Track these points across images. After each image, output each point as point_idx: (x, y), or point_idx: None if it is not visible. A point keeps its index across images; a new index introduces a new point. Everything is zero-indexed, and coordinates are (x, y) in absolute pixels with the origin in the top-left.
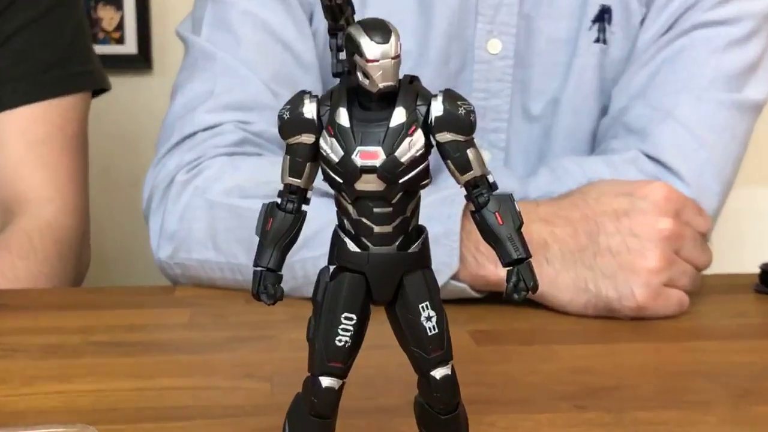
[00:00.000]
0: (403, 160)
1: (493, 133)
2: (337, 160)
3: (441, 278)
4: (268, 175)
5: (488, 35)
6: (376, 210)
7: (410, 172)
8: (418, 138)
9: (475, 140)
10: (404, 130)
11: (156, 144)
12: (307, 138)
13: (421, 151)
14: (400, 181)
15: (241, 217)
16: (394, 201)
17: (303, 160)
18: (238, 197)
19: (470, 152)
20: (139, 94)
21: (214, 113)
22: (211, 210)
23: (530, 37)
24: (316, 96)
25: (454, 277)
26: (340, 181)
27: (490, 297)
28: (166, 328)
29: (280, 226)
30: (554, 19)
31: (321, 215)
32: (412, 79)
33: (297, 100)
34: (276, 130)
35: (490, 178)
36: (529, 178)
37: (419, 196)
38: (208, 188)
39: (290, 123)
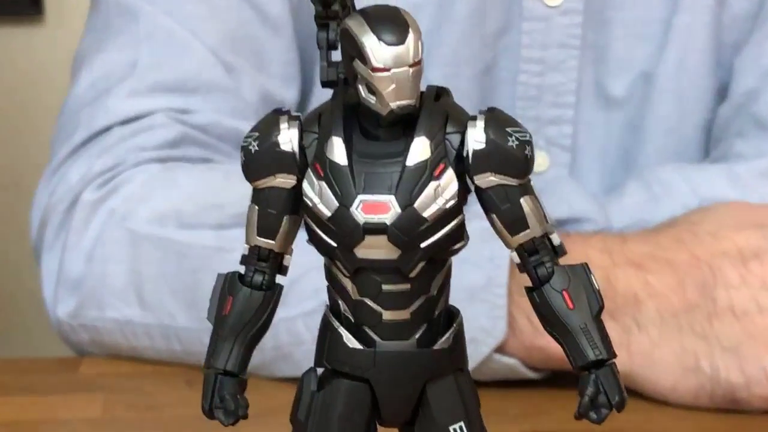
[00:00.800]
0: (426, 214)
1: (552, 125)
2: (328, 214)
3: (480, 350)
4: (220, 192)
5: None
6: (386, 288)
7: (437, 233)
8: (449, 181)
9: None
10: (428, 171)
11: (51, 141)
12: (285, 180)
13: (452, 202)
14: (423, 245)
15: (181, 257)
16: (412, 274)
17: (278, 213)
18: (175, 227)
19: (525, 202)
20: (25, 53)
21: (137, 97)
22: (136, 246)
23: None
24: (297, 116)
25: (500, 349)
26: (334, 244)
27: (553, 379)
28: (67, 426)
29: (243, 308)
30: None
31: (301, 256)
32: (440, 93)
33: (269, 124)
34: (233, 123)
35: (555, 239)
36: (610, 198)
37: (449, 266)
38: (130, 213)
39: (260, 158)
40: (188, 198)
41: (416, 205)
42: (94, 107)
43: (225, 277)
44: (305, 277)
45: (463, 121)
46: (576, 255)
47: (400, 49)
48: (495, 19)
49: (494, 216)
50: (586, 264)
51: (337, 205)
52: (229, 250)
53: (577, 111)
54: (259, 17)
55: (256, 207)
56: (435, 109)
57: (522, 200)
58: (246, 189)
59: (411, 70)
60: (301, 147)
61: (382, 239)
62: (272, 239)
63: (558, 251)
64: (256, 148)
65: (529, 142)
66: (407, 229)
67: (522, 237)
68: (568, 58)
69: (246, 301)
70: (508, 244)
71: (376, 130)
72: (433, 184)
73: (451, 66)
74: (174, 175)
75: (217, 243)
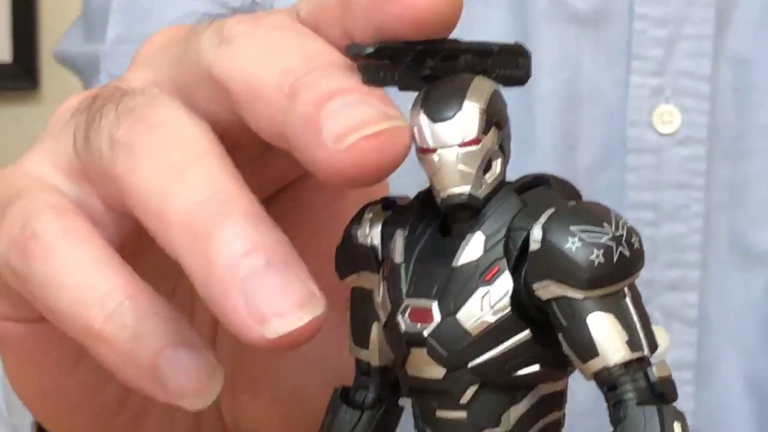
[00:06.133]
0: (467, 326)
1: (671, 290)
2: (384, 320)
3: None
4: None
5: (655, 97)
6: (440, 414)
7: (487, 351)
8: (500, 288)
9: (620, 295)
10: (476, 274)
11: None
12: (367, 279)
13: (503, 314)
14: (470, 365)
15: None
16: (462, 401)
17: (365, 317)
18: None
19: (595, 320)
20: (17, 131)
21: None
22: None
23: (744, 98)
24: (392, 202)
25: None
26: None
27: None
28: None
29: (336, 429)
30: None
31: None
32: (527, 184)
33: (359, 212)
34: None
35: (652, 373)
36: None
37: (544, 396)
38: None
39: (342, 252)
40: None
41: (459, 315)
42: None
43: (334, 390)
44: None
45: (538, 214)
46: None
47: (446, 125)
48: (588, 151)
49: (560, 335)
50: (678, 412)
51: (390, 309)
52: None
53: (705, 272)
54: None
55: (350, 310)
56: (509, 200)
57: (590, 318)
58: None
59: (460, 150)
60: (384, 241)
61: (424, 354)
62: (365, 347)
63: (655, 389)
64: (341, 242)
65: (604, 246)
66: (447, 344)
67: (593, 365)
68: (690, 202)
69: (340, 423)
70: (584, 374)
71: (453, 224)
72: (481, 291)
73: None
74: None
75: None
